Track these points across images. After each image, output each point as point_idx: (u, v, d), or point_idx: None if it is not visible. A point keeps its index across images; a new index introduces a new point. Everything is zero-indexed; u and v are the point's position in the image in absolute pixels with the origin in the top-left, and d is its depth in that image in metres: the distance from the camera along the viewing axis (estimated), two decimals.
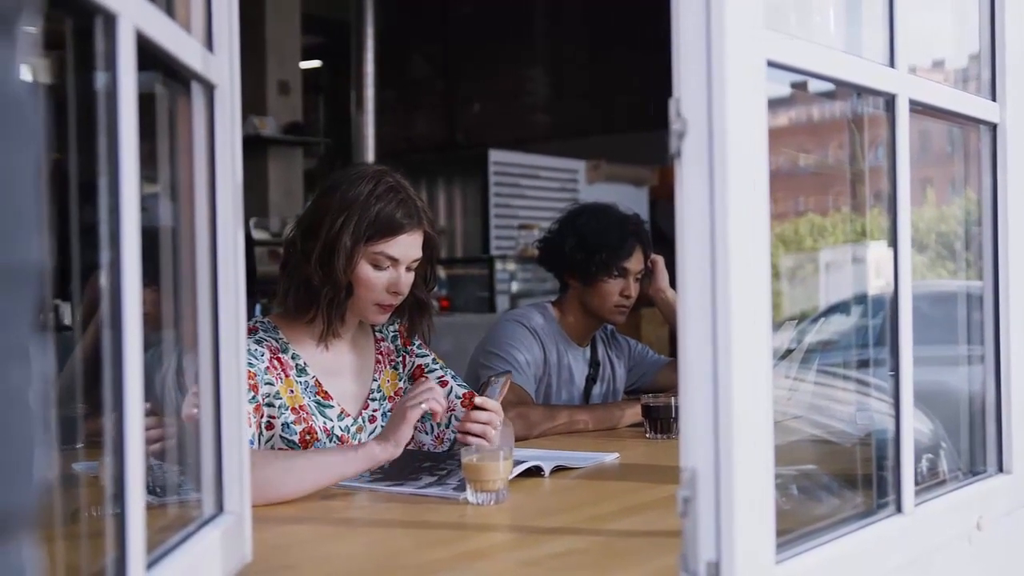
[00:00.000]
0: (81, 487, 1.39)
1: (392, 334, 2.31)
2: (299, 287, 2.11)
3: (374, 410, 2.22)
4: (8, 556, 0.49)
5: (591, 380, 3.03)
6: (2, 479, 0.49)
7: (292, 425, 2.06)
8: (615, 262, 2.87)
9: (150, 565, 1.04)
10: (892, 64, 1.45)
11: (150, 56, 1.06)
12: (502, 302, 7.06)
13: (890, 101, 1.45)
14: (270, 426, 2.05)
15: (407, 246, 2.10)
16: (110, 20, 0.95)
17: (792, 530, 1.26)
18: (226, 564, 1.29)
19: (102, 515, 1.20)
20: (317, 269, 2.07)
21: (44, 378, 0.51)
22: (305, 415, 2.08)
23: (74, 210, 1.00)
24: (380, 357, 2.27)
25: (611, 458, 2.27)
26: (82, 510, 1.25)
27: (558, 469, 2.10)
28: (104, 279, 0.97)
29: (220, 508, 1.32)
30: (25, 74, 0.52)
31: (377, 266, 2.09)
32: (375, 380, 2.24)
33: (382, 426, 2.18)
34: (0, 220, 0.48)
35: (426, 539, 1.61)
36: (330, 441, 2.10)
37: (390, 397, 2.25)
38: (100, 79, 0.97)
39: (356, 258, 2.07)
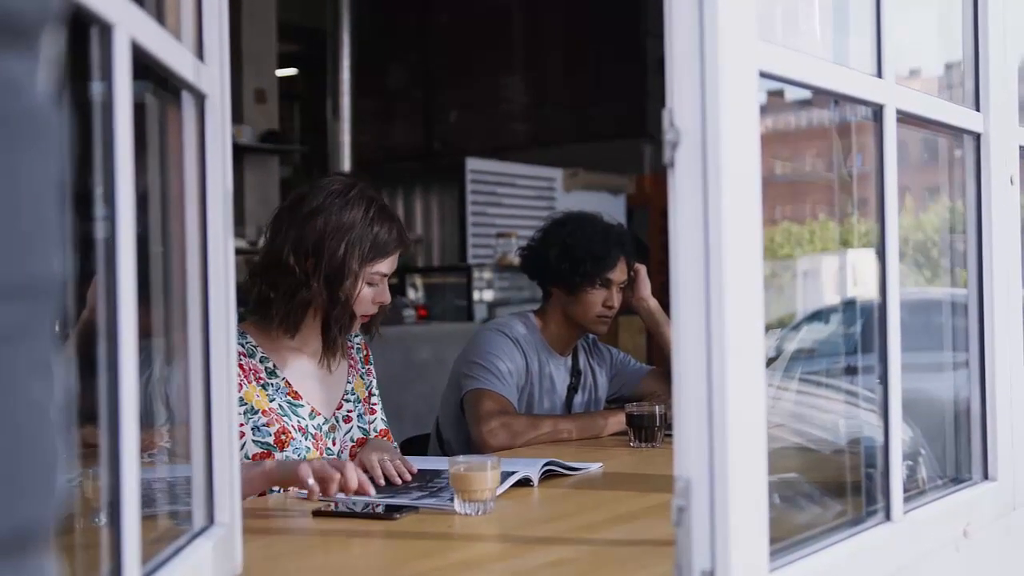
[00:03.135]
0: (68, 499, 1.37)
1: (357, 346, 2.38)
2: (298, 308, 2.15)
3: (348, 410, 2.29)
4: (37, 569, 0.49)
5: (572, 389, 3.02)
6: (29, 494, 0.49)
7: (264, 427, 2.11)
8: (599, 273, 2.87)
9: None
10: (879, 74, 1.46)
11: (142, 65, 1.06)
12: (480, 311, 7.04)
13: (878, 111, 1.46)
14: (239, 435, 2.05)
15: (395, 261, 2.24)
16: (106, 30, 0.95)
17: (784, 538, 1.27)
18: None
19: (89, 526, 1.19)
20: (323, 292, 2.13)
21: (65, 391, 0.51)
22: (276, 416, 2.13)
23: (66, 220, 0.99)
24: (352, 362, 2.35)
25: (595, 468, 2.27)
26: (73, 522, 1.24)
27: (548, 474, 2.10)
28: (96, 289, 0.97)
29: (211, 520, 1.31)
30: (46, 86, 0.52)
31: (371, 283, 2.20)
32: (349, 382, 2.32)
33: (358, 426, 2.29)
34: (24, 232, 0.47)
35: (416, 550, 1.61)
36: (305, 439, 2.15)
37: (363, 400, 2.34)
38: (95, 88, 0.96)
39: (361, 281, 2.16)
